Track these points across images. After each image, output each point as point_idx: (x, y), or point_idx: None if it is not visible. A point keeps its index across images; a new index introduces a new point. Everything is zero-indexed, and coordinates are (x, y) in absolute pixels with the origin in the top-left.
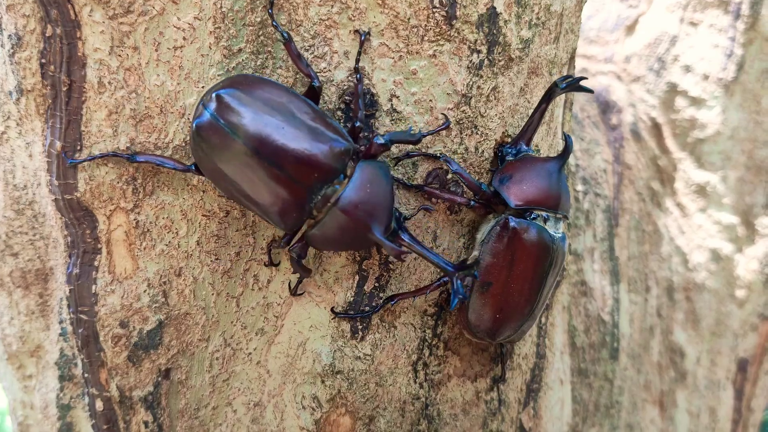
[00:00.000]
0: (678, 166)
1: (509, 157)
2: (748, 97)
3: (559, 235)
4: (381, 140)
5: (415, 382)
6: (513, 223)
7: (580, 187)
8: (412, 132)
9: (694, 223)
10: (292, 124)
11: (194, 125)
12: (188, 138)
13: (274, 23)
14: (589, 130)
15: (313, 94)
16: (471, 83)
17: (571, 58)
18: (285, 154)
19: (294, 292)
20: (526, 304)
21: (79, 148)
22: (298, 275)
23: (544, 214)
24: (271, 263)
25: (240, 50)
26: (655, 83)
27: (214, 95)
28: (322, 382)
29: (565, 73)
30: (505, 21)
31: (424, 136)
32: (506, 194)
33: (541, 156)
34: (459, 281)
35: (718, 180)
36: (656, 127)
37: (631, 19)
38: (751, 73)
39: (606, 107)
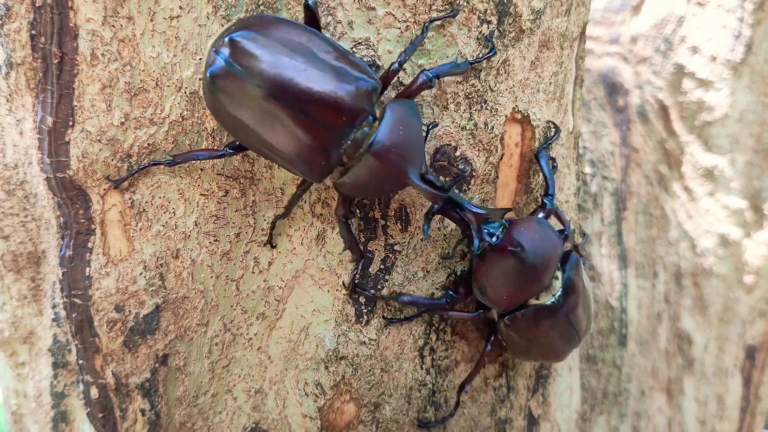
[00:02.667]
0: (685, 149)
1: (476, 257)
2: (757, 79)
3: (559, 291)
4: (428, 75)
5: (422, 367)
6: (509, 323)
7: (587, 170)
8: (458, 62)
9: (701, 208)
10: (314, 64)
11: (208, 74)
12: (202, 90)
13: None
14: (595, 112)
15: (310, 17)
16: (480, 55)
17: (582, 33)
18: (309, 97)
19: (350, 286)
20: (569, 339)
21: (71, 123)
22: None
23: (534, 300)
24: (270, 243)
25: None
26: (662, 65)
27: (227, 39)
28: (326, 367)
29: (576, 48)
30: None
31: (471, 64)
32: (491, 305)
33: (502, 245)
34: (485, 230)
35: (726, 163)
36: (663, 110)
37: None
38: (759, 55)
39: (612, 89)
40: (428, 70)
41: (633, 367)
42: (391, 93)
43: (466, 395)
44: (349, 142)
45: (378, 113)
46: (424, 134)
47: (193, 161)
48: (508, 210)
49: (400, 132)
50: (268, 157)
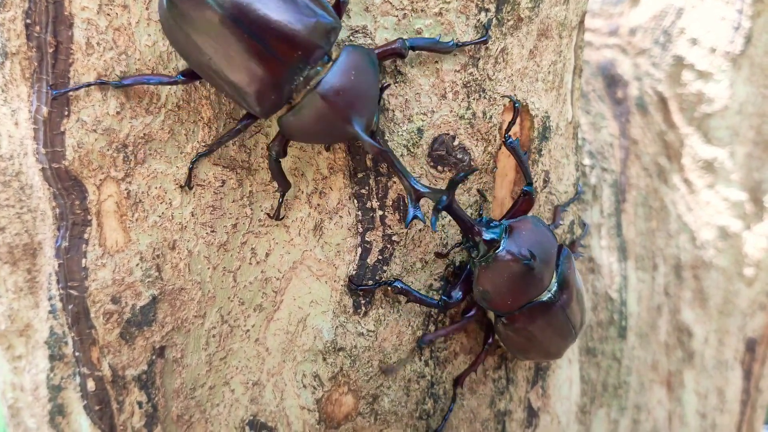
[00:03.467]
0: (685, 141)
1: (479, 263)
2: (756, 71)
3: (554, 286)
4: (404, 42)
5: (421, 359)
6: (507, 322)
7: (587, 162)
8: (440, 39)
9: (701, 200)
10: None
11: None
12: (158, 8)
13: None
14: (594, 103)
15: None
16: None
17: (581, 22)
18: (267, 24)
19: (276, 215)
20: (567, 335)
21: (66, 113)
22: (281, 206)
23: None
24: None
25: None
26: (661, 56)
27: None
28: (324, 359)
29: (575, 38)
30: None
31: (458, 46)
32: (493, 309)
33: (503, 254)
34: (417, 206)
35: (725, 156)
36: (662, 102)
37: None
38: (759, 47)
39: (611, 81)
40: (406, 39)
41: (633, 359)
42: None
43: (465, 387)
44: (301, 78)
45: (334, 54)
46: (379, 91)
47: (143, 84)
48: (448, 191)
49: (351, 77)
50: (218, 85)
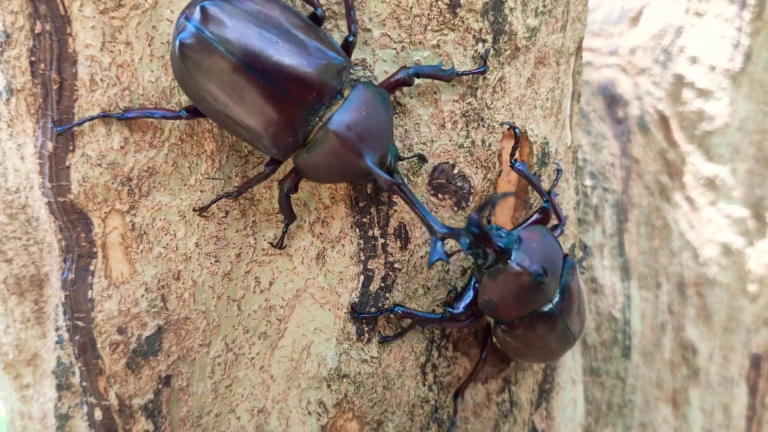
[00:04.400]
0: (686, 159)
1: (486, 272)
2: (756, 88)
3: (557, 297)
4: (408, 72)
5: (424, 384)
6: (506, 329)
7: (588, 182)
8: (442, 67)
9: (703, 217)
10: (285, 38)
11: (177, 41)
12: (169, 59)
13: None
14: (595, 123)
15: (315, 22)
16: (471, 69)
17: (578, 48)
18: (279, 69)
19: (279, 244)
20: (565, 342)
21: (71, 148)
22: (284, 236)
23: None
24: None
25: None
26: (661, 75)
27: (198, 7)
28: (328, 386)
29: (572, 63)
30: (511, 9)
31: (458, 74)
32: (497, 317)
33: (513, 266)
34: (441, 242)
35: (727, 173)
36: (663, 120)
37: (635, 10)
38: (758, 64)
39: (612, 100)
40: (409, 67)
41: (637, 378)
42: None
43: (469, 411)
44: (317, 119)
45: (346, 92)
46: (392, 126)
47: (147, 118)
48: (469, 231)
49: (362, 113)
50: (233, 130)
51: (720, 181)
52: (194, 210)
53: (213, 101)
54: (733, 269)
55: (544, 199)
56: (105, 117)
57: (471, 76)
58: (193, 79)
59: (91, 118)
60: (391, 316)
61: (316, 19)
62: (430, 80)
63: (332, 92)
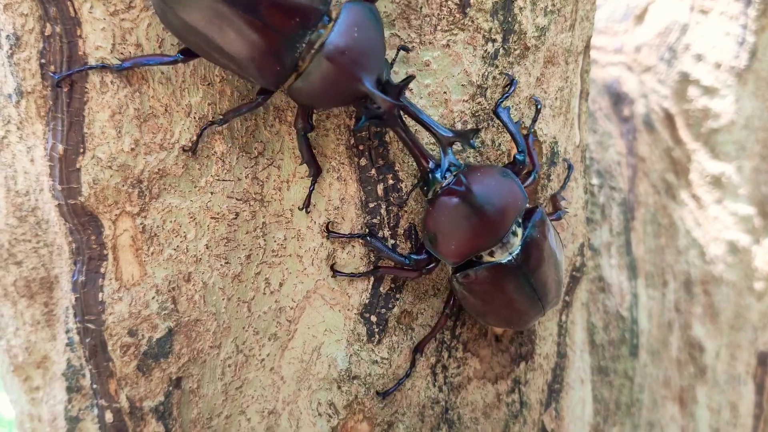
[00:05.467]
0: (692, 157)
1: (427, 203)
2: (762, 85)
3: (517, 249)
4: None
5: (434, 385)
6: (462, 280)
7: (595, 181)
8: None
9: (710, 215)
10: None
11: None
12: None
13: None
14: (601, 122)
15: None
16: (486, 73)
17: (586, 47)
18: None
19: (306, 204)
20: (530, 306)
21: (81, 150)
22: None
23: (486, 254)
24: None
25: None
26: (666, 73)
27: None
28: (338, 387)
29: (581, 62)
30: (521, 8)
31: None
32: (442, 256)
33: (451, 187)
34: (449, 152)
35: (733, 170)
36: (669, 118)
37: (640, 8)
38: (764, 61)
39: (618, 99)
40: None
41: (645, 377)
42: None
43: (479, 412)
44: (303, 44)
45: (334, 14)
46: (384, 43)
47: (142, 66)
48: (478, 130)
49: (354, 34)
50: (221, 63)
51: (726, 179)
52: (184, 150)
53: (196, 35)
54: (740, 267)
55: (519, 149)
56: (103, 67)
57: (481, 75)
58: (175, 14)
59: (90, 68)
60: (360, 241)
61: None
62: (440, 80)
63: (317, 15)
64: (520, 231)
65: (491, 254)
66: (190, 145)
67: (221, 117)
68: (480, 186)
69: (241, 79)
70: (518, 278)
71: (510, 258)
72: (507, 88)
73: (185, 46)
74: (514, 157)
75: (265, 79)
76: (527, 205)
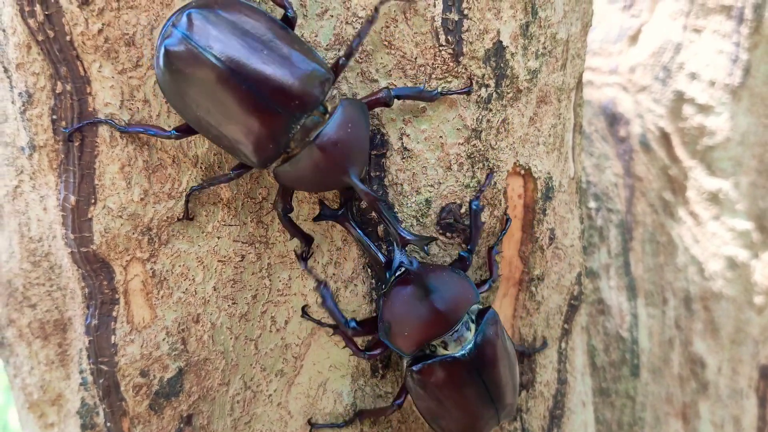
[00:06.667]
0: (689, 174)
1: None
2: (756, 102)
3: (470, 344)
4: (389, 92)
5: None
6: (416, 373)
7: (592, 204)
8: (423, 89)
9: (708, 231)
10: (271, 47)
11: (162, 47)
12: (153, 65)
13: None
14: (598, 144)
15: (288, 24)
16: (480, 117)
17: (579, 82)
18: (263, 78)
19: (303, 256)
20: (484, 412)
21: (93, 201)
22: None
23: (437, 343)
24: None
25: None
26: (661, 92)
27: (185, 14)
28: (344, 421)
29: (573, 97)
30: (512, 54)
31: (443, 94)
32: (396, 347)
33: (402, 279)
34: (404, 251)
35: (730, 186)
36: (665, 137)
37: (634, 28)
38: (757, 77)
39: (613, 119)
40: (391, 89)
41: (647, 395)
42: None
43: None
44: (298, 127)
45: (329, 107)
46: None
47: (142, 133)
48: (434, 239)
49: (348, 129)
50: (215, 138)
51: (723, 195)
52: (179, 220)
53: (196, 108)
54: (739, 282)
55: (468, 247)
56: (108, 123)
57: (475, 118)
58: (177, 86)
59: (97, 121)
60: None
61: (288, 21)
62: (436, 125)
63: (314, 102)
64: (473, 327)
65: (445, 347)
66: (183, 213)
67: (199, 184)
68: (429, 278)
69: (232, 155)
70: (472, 375)
71: (463, 352)
72: (485, 180)
73: (180, 124)
74: (459, 254)
75: (257, 158)
76: (480, 306)
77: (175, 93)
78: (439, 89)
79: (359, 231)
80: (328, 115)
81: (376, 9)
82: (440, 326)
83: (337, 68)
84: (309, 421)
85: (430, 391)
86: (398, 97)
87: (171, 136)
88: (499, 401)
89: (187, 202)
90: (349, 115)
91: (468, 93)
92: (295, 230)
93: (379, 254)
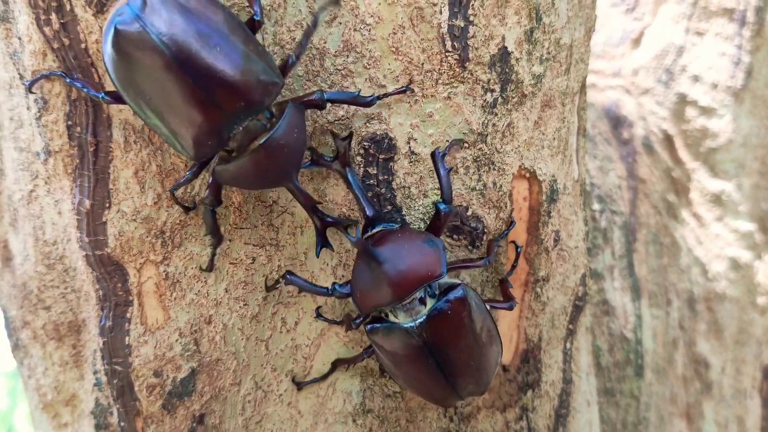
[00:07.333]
0: (692, 176)
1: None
2: (758, 104)
3: (421, 318)
4: (321, 95)
5: (445, 416)
6: (369, 332)
7: (596, 206)
8: (358, 95)
9: (711, 233)
10: (225, 42)
11: (113, 25)
12: (102, 39)
13: None
14: (601, 147)
15: (252, 28)
16: (486, 121)
17: (582, 86)
18: (213, 73)
19: (209, 267)
20: (435, 385)
21: (107, 205)
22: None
23: (388, 309)
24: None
25: None
26: (664, 95)
27: None
28: (354, 421)
29: (577, 101)
30: (517, 59)
31: (379, 98)
32: (354, 302)
33: (376, 239)
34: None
35: (732, 188)
36: (668, 139)
37: (637, 31)
38: (759, 80)
39: (617, 122)
40: (324, 92)
41: (651, 395)
42: None
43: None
44: (240, 128)
45: (275, 110)
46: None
47: (81, 89)
48: (354, 221)
49: (294, 134)
50: (153, 126)
51: (726, 197)
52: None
53: (138, 92)
54: (742, 283)
55: (443, 198)
56: (56, 75)
57: (481, 122)
58: (122, 66)
59: (47, 75)
60: (282, 280)
61: (253, 24)
62: (442, 129)
63: (260, 107)
64: (430, 301)
65: (395, 315)
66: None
67: (172, 186)
68: (394, 245)
69: (169, 145)
70: (420, 350)
71: (412, 324)
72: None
73: (112, 90)
74: (436, 205)
75: (194, 151)
76: (449, 281)
77: (120, 73)
78: (375, 94)
79: (355, 179)
80: (274, 119)
81: (315, 19)
82: (387, 296)
83: (286, 68)
84: (293, 380)
85: (382, 352)
86: (331, 101)
87: (100, 98)
88: (456, 381)
89: (175, 198)
90: (295, 120)
91: (404, 92)
92: (214, 226)
93: (369, 207)
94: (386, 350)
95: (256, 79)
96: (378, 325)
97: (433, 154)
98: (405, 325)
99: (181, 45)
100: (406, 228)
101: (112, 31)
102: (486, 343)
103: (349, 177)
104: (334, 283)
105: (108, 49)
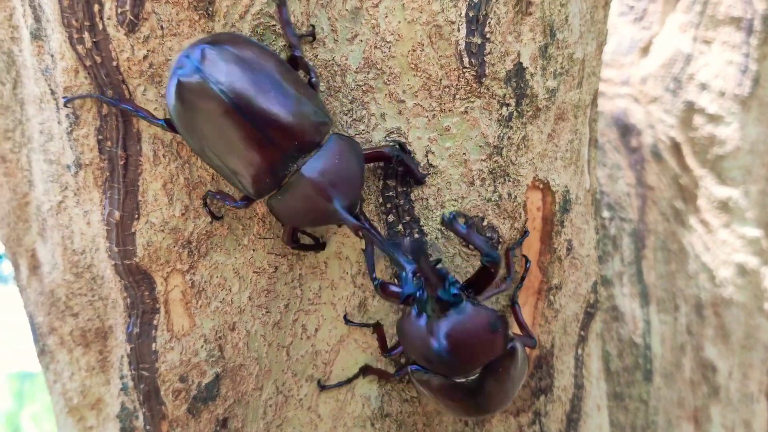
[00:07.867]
0: (699, 183)
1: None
2: (765, 111)
3: (475, 375)
4: (392, 152)
5: (461, 420)
6: (413, 373)
7: (605, 214)
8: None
9: (718, 239)
10: (277, 88)
11: (175, 77)
12: (166, 92)
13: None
14: (610, 155)
15: (293, 64)
16: (502, 135)
17: (594, 98)
18: (268, 116)
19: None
20: (473, 411)
21: (136, 216)
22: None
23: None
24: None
25: None
26: (672, 103)
27: (199, 49)
28: (372, 425)
29: (588, 113)
30: (532, 74)
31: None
32: (407, 357)
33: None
34: (411, 275)
35: (740, 195)
36: (676, 147)
37: (645, 40)
38: (766, 87)
39: (625, 130)
40: (398, 148)
41: (659, 399)
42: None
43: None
44: (295, 166)
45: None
46: (362, 178)
47: (133, 114)
48: (439, 260)
49: (335, 161)
50: (216, 167)
51: (733, 203)
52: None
53: (200, 136)
54: (749, 289)
55: (484, 254)
56: (100, 99)
57: (497, 136)
58: (185, 114)
59: (87, 96)
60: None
61: (311, 85)
62: (459, 142)
63: (312, 146)
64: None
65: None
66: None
67: (214, 192)
68: (463, 329)
69: (231, 184)
70: (466, 394)
71: (464, 380)
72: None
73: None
74: (481, 262)
75: (254, 190)
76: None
77: (183, 120)
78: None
79: (380, 237)
80: (318, 149)
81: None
82: (453, 371)
83: (313, 87)
84: (319, 382)
85: (424, 388)
86: (399, 162)
87: (161, 124)
88: (489, 407)
89: (205, 204)
90: (337, 148)
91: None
92: (307, 249)
93: (405, 263)
94: (432, 391)
95: (307, 121)
96: (428, 375)
97: (449, 223)
98: (458, 380)
99: (237, 92)
100: (471, 309)
101: (175, 82)
102: (521, 377)
103: (374, 237)
104: (380, 279)
105: (171, 98)
